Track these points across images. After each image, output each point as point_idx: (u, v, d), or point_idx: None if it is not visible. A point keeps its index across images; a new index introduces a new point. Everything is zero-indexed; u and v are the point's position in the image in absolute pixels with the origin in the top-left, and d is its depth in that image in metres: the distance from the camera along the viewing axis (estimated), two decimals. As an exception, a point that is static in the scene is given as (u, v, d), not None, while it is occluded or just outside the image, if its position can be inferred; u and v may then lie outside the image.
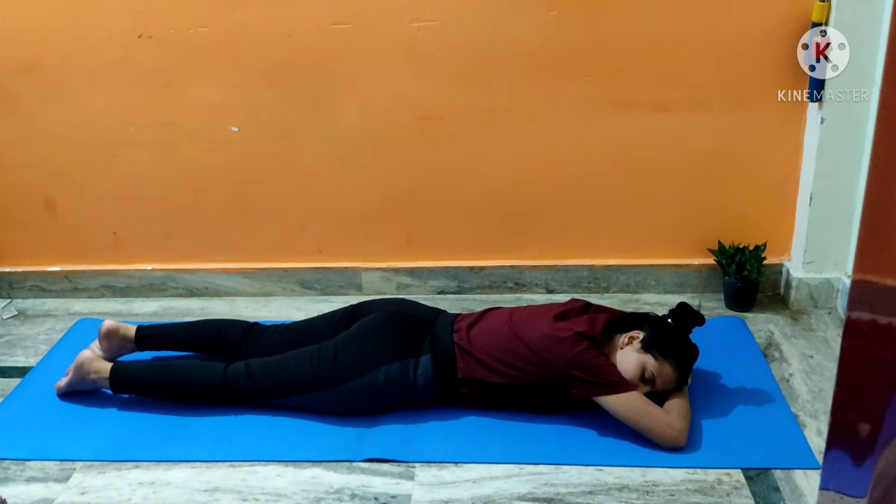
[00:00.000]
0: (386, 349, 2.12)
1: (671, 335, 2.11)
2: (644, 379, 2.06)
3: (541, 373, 2.05)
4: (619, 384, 2.01)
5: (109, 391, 2.26)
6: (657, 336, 2.09)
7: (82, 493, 1.95)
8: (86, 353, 2.28)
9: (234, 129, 2.69)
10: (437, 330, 2.16)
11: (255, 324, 2.40)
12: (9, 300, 2.96)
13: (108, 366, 2.25)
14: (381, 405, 2.15)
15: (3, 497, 1.82)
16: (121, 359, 2.39)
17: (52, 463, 2.05)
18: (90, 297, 2.95)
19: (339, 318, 2.32)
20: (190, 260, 2.91)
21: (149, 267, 2.92)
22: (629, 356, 2.07)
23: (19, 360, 2.55)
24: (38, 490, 1.97)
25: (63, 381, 2.29)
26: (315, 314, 2.45)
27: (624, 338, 2.11)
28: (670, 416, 2.00)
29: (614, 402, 2.00)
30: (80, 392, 2.28)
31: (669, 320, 2.15)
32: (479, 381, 2.10)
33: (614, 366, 2.04)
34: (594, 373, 2.01)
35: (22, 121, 2.74)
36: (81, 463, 2.05)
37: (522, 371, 2.07)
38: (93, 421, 2.19)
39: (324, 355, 2.14)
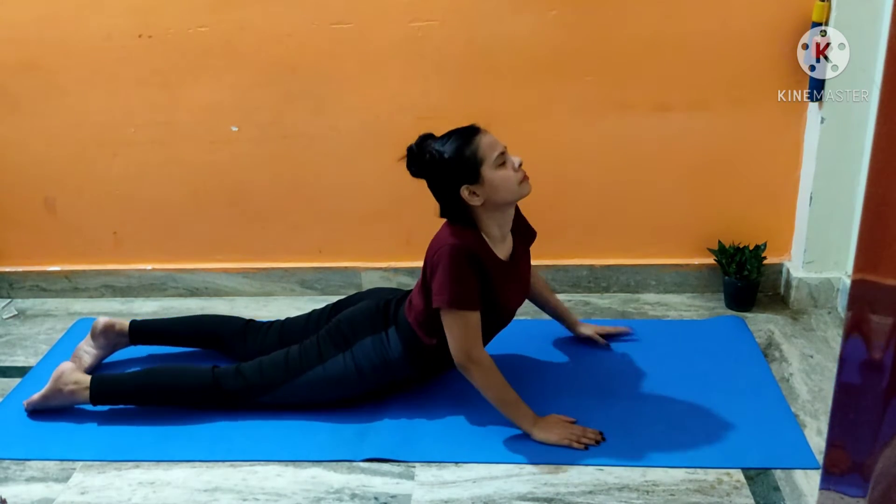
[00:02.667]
0: (359, 328, 2.14)
1: (441, 161, 1.97)
2: (514, 170, 1.99)
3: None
4: (446, 300, 1.95)
5: (88, 406, 2.18)
6: (450, 172, 1.96)
7: (82, 493, 1.95)
8: (67, 364, 2.21)
9: (234, 128, 2.69)
10: (401, 306, 2.17)
11: (251, 321, 2.40)
12: (9, 300, 2.96)
13: (88, 377, 2.18)
14: (368, 386, 2.15)
15: (3, 497, 1.82)
16: (109, 360, 2.42)
17: (52, 463, 2.05)
18: (90, 296, 2.95)
19: (319, 316, 2.33)
20: (190, 260, 2.91)
21: (149, 267, 2.92)
22: (494, 181, 1.96)
23: (19, 360, 2.55)
24: (38, 490, 1.97)
25: (36, 396, 2.19)
26: (315, 314, 2.45)
27: (465, 193, 1.97)
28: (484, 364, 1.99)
29: (443, 318, 1.99)
30: (51, 410, 2.19)
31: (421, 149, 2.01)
32: (417, 317, 2.09)
33: (449, 285, 1.95)
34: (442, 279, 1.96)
35: (22, 121, 2.74)
36: (81, 463, 2.05)
37: (423, 282, 2.06)
38: (93, 421, 2.19)
39: (307, 346, 2.16)
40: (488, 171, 1.96)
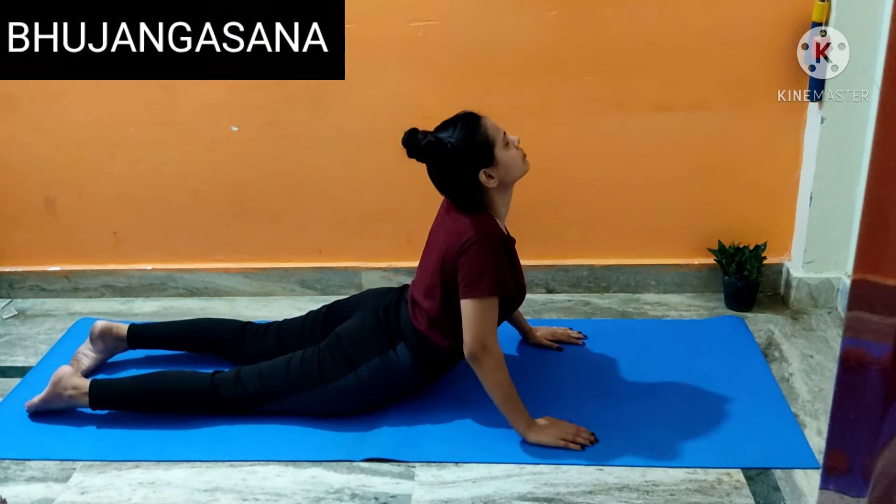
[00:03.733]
0: (362, 347, 2.11)
1: (459, 149, 1.99)
2: (516, 147, 2.05)
3: (447, 269, 2.03)
4: (487, 289, 1.97)
5: (88, 409, 2.18)
6: (469, 158, 1.99)
7: (82, 493, 1.95)
8: (65, 368, 2.20)
9: (235, 128, 2.69)
10: (402, 313, 2.16)
11: (249, 323, 2.40)
12: (9, 300, 2.96)
13: (87, 382, 2.17)
14: (373, 400, 2.14)
15: (3, 497, 1.82)
16: (115, 358, 2.43)
17: (52, 463, 2.05)
18: (90, 297, 2.95)
19: (315, 317, 2.33)
20: (190, 260, 2.91)
21: (149, 267, 2.92)
22: (506, 161, 2.01)
23: (19, 360, 2.55)
24: (38, 490, 1.97)
25: (36, 399, 2.19)
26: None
27: (483, 177, 2.01)
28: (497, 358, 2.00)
29: (472, 306, 1.99)
30: (52, 412, 2.18)
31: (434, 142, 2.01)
32: (432, 321, 2.09)
33: (492, 273, 1.98)
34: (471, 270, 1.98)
35: (22, 121, 2.74)
36: (81, 463, 2.05)
37: (442, 278, 2.05)
38: (93, 421, 2.19)
39: (308, 360, 2.13)
40: (500, 152, 2.01)
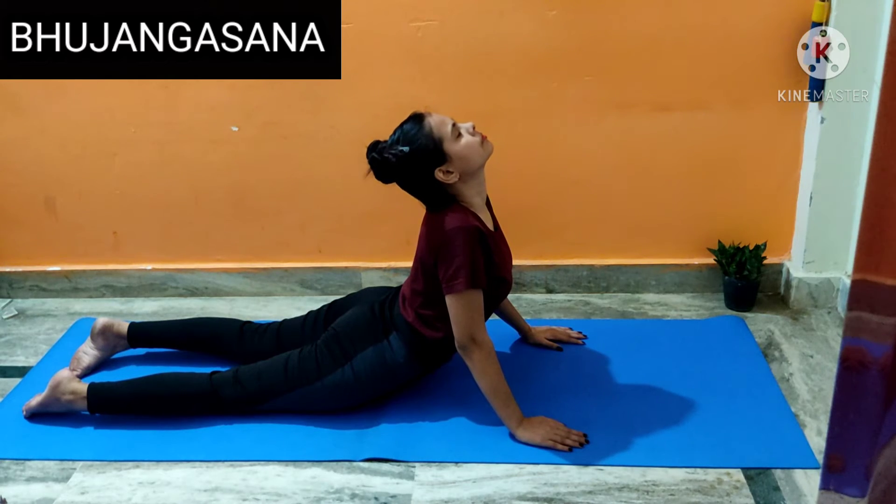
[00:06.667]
0: (358, 339, 2.13)
1: (405, 157, 1.98)
2: (471, 134, 2.02)
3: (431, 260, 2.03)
4: (464, 283, 1.97)
5: (86, 412, 2.17)
6: (418, 162, 1.98)
7: (82, 493, 1.95)
8: (63, 373, 2.19)
9: (235, 128, 2.69)
10: (396, 306, 2.17)
11: (248, 323, 2.40)
12: (9, 300, 2.96)
13: (84, 386, 2.16)
14: (370, 394, 2.15)
15: (3, 497, 1.82)
16: (114, 356, 2.44)
17: (52, 463, 2.05)
18: (90, 296, 2.95)
19: (316, 317, 2.33)
20: (190, 260, 2.91)
21: (149, 267, 2.92)
22: (461, 153, 1.99)
23: (19, 360, 2.55)
24: (38, 490, 1.97)
25: (34, 401, 2.19)
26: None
27: (441, 175, 1.99)
28: (486, 349, 2.00)
29: (454, 302, 1.99)
30: (51, 413, 2.19)
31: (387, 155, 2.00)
32: (417, 314, 2.09)
33: (466, 266, 1.97)
34: (451, 262, 1.97)
35: (22, 121, 2.74)
36: (81, 463, 2.05)
37: (423, 274, 2.06)
38: (93, 421, 2.19)
39: (306, 356, 2.14)
40: (450, 146, 1.98)
